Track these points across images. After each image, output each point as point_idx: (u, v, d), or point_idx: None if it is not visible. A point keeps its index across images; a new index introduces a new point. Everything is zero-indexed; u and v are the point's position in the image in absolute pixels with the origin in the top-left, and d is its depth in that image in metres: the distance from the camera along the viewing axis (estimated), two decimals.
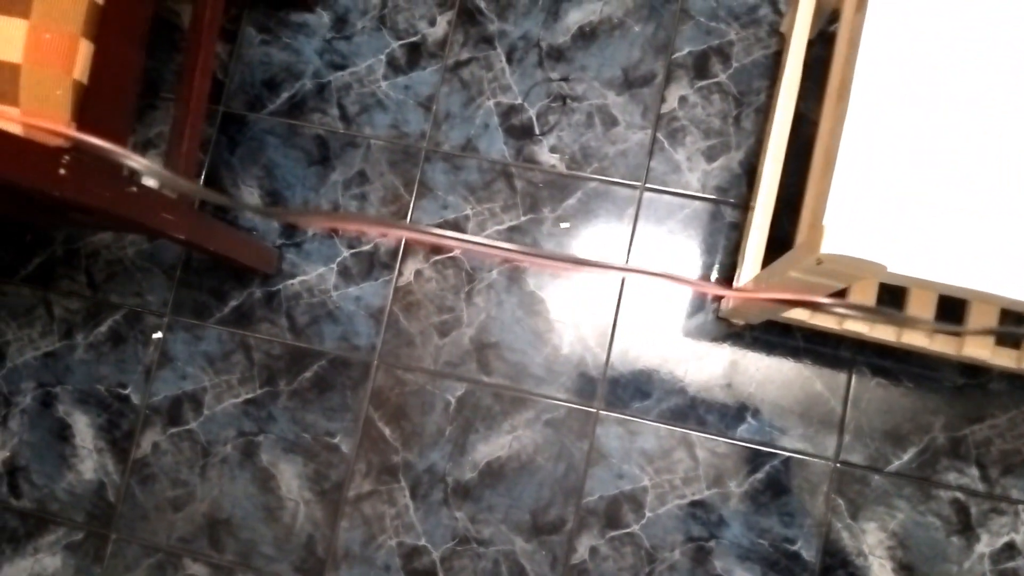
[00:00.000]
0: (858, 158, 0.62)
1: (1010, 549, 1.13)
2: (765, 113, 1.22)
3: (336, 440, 1.22)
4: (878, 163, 0.62)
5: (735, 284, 1.08)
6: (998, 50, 0.63)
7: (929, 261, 0.60)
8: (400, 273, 1.24)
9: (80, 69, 0.73)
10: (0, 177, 0.65)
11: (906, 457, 1.15)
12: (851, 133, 0.63)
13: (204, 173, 1.30)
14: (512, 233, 1.24)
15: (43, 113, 0.72)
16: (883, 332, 1.03)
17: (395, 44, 1.30)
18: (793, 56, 1.04)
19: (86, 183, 0.73)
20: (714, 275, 1.20)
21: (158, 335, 1.27)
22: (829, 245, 0.60)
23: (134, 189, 0.81)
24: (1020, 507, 1.13)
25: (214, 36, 0.95)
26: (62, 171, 0.70)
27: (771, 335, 1.19)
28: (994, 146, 0.61)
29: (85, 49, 0.74)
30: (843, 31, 0.98)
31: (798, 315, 1.04)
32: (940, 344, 1.03)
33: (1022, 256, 0.58)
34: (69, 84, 0.73)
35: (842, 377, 1.17)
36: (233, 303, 1.26)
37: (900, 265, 0.60)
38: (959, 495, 1.14)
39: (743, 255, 1.05)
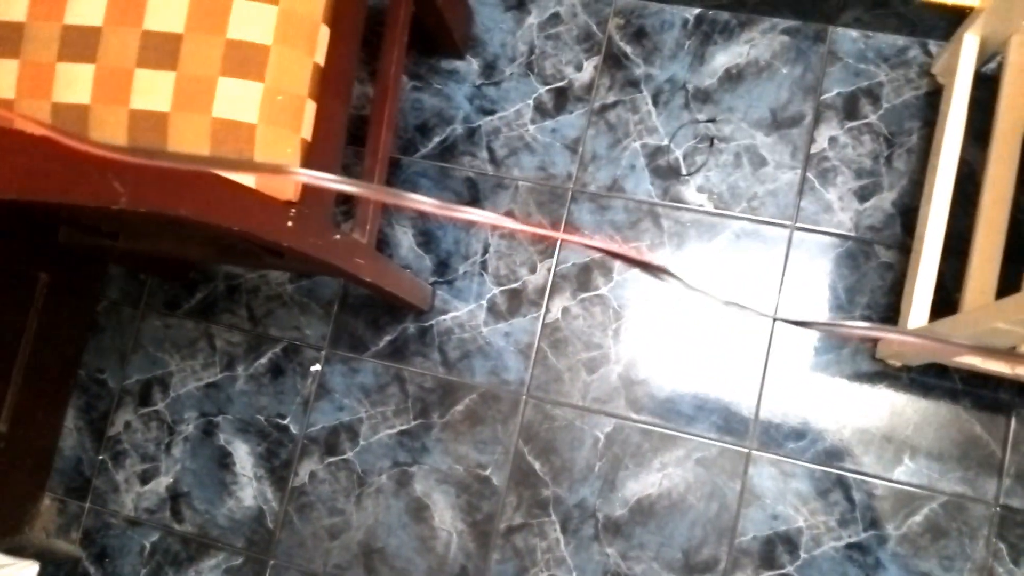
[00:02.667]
0: None
1: None
2: (918, 154, 1.26)
3: (487, 472, 1.29)
4: None
5: (901, 325, 1.12)
6: None
7: None
8: (548, 310, 1.32)
9: (306, 127, 0.83)
10: (241, 229, 0.75)
11: None
12: None
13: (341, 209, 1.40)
14: (657, 270, 1.29)
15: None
16: None
17: (542, 89, 1.39)
18: (957, 97, 1.08)
19: (306, 233, 0.83)
20: (858, 315, 1.24)
21: (316, 367, 1.37)
22: None
23: (338, 237, 0.91)
24: None
25: (398, 88, 1.05)
26: (289, 223, 0.79)
27: (928, 376, 1.21)
28: None
29: (310, 108, 0.83)
30: (1010, 73, 1.02)
31: (972, 361, 1.06)
32: None
33: None
34: (297, 142, 0.82)
35: (1002, 420, 1.19)
36: (388, 337, 1.35)
37: None
38: None
39: (910, 300, 1.08)
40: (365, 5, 0.92)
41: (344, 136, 0.91)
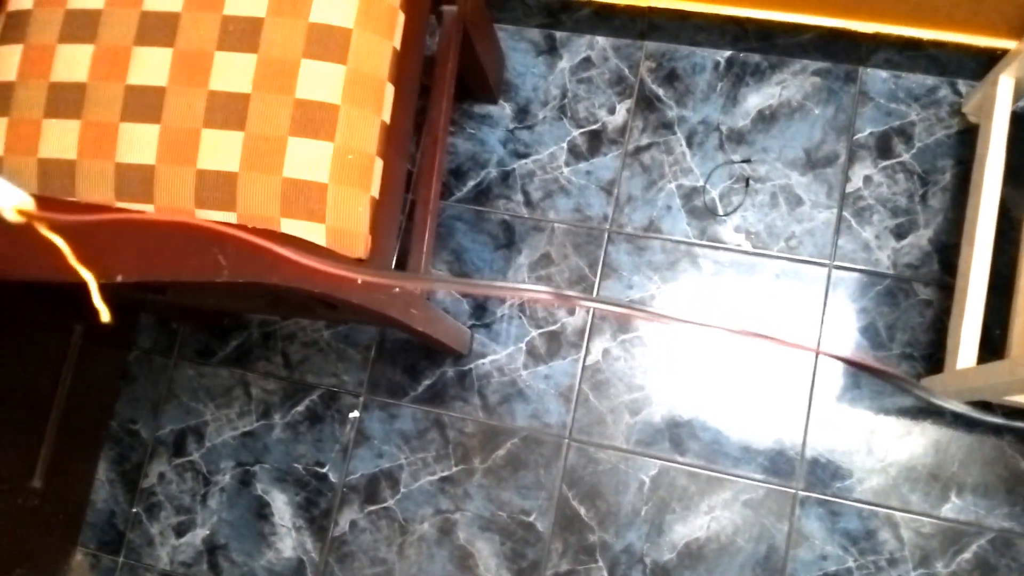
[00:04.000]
0: None
1: None
2: (952, 192, 1.30)
3: (531, 519, 1.31)
4: None
5: (947, 369, 1.15)
6: None
7: None
8: (588, 352, 1.34)
9: (376, 185, 0.86)
10: (321, 292, 0.77)
11: None
12: None
13: (395, 258, 1.43)
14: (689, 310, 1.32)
15: (346, 229, 0.84)
16: None
17: (576, 132, 1.43)
18: (996, 136, 1.12)
19: (374, 289, 0.86)
20: (902, 353, 1.27)
21: (355, 414, 1.39)
22: None
23: (398, 291, 0.94)
24: None
25: (446, 138, 1.08)
26: (360, 280, 0.82)
27: (972, 411, 1.24)
28: None
29: (378, 166, 0.87)
30: None
31: (1017, 398, 1.09)
32: None
33: None
34: (367, 200, 0.85)
35: None
36: (427, 382, 1.38)
37: None
38: None
39: (957, 340, 1.11)
40: (422, 61, 0.95)
41: (403, 190, 0.94)
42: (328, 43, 0.86)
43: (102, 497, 1.48)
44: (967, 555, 1.21)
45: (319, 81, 0.85)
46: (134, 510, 1.45)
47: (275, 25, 0.87)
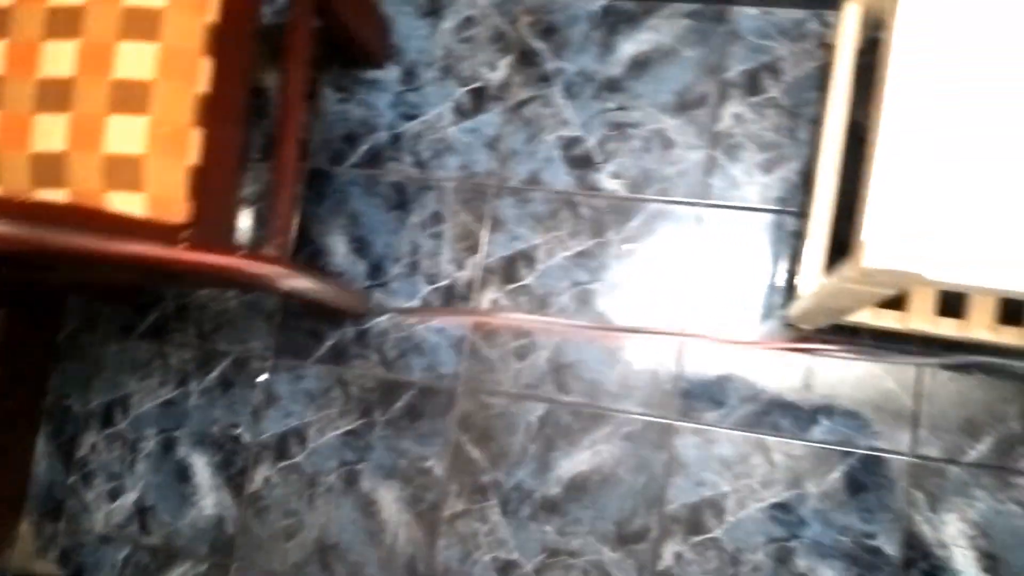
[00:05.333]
0: (894, 169, 0.75)
1: None
2: (820, 123, 1.37)
3: (429, 464, 1.42)
4: (914, 172, 0.74)
5: (799, 295, 1.23)
6: None
7: (965, 266, 0.72)
8: (478, 304, 1.44)
9: (193, 154, 0.96)
10: (130, 255, 0.87)
11: (982, 447, 1.26)
12: (885, 144, 0.77)
13: (297, 228, 1.53)
14: (580, 258, 1.41)
15: (164, 197, 0.94)
16: (947, 328, 1.16)
17: (460, 91, 1.51)
18: (841, 63, 1.19)
19: (204, 253, 0.95)
20: (778, 285, 1.35)
21: (263, 377, 1.50)
22: (870, 259, 0.74)
23: (243, 253, 1.03)
24: None
25: (302, 105, 1.18)
26: (183, 245, 0.92)
27: (840, 336, 1.32)
28: None
29: (196, 136, 0.96)
30: (886, 40, 1.12)
31: (863, 318, 1.17)
32: (1006, 336, 1.15)
33: None
34: (183, 168, 0.95)
35: (912, 373, 1.29)
36: (329, 343, 1.48)
37: (937, 272, 0.72)
38: None
39: (802, 266, 1.19)
40: (252, 35, 1.05)
41: (238, 158, 1.04)
42: (142, 24, 0.96)
43: (42, 469, 1.61)
44: (837, 474, 1.30)
45: (134, 60, 0.95)
46: (71, 479, 1.58)
47: (94, 12, 0.97)
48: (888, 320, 1.18)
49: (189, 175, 0.96)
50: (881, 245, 0.71)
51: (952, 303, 1.18)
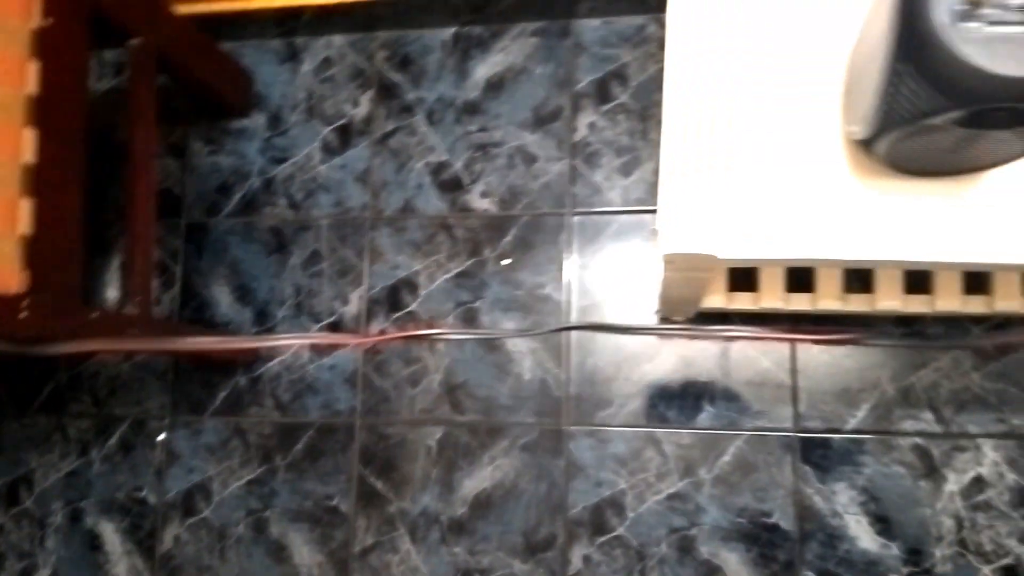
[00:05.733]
0: (679, 157, 0.78)
1: (978, 483, 1.27)
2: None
3: (335, 502, 1.42)
4: (698, 160, 0.78)
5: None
6: (796, 30, 0.79)
7: (751, 242, 0.75)
8: (367, 335, 1.45)
9: (24, 223, 0.96)
10: None
11: (861, 414, 1.31)
12: (670, 133, 0.80)
13: (179, 284, 1.53)
14: (461, 279, 1.44)
15: None
16: (798, 303, 1.20)
17: (326, 130, 1.54)
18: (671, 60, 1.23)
19: (47, 320, 0.96)
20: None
21: (162, 437, 1.50)
22: (665, 246, 0.77)
23: (96, 315, 1.04)
24: (979, 440, 1.27)
25: (151, 162, 1.19)
26: (23, 315, 0.92)
27: (712, 323, 1.35)
28: (805, 123, 0.76)
29: (26, 205, 0.97)
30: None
31: (717, 303, 1.21)
32: (855, 304, 1.20)
33: (844, 220, 0.74)
34: (15, 238, 0.95)
35: (785, 349, 1.33)
36: (223, 394, 1.49)
37: (727, 251, 0.75)
38: (918, 440, 1.29)
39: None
40: (80, 102, 1.06)
41: (78, 222, 1.04)
42: None
43: None
44: (727, 457, 1.33)
45: None
46: None
47: None
48: (742, 302, 1.22)
49: (22, 244, 0.96)
50: (673, 232, 0.75)
51: (803, 279, 1.22)
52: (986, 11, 0.52)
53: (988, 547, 1.26)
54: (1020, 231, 0.67)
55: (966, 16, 0.52)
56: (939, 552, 1.27)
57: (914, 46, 0.55)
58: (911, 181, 0.69)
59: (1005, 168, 0.66)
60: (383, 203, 1.50)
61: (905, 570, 1.27)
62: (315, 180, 1.53)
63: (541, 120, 1.47)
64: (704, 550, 1.32)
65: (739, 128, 0.78)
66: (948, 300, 1.17)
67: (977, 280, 1.19)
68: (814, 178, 0.74)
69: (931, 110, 0.55)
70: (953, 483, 1.28)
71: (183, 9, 1.47)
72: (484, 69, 1.51)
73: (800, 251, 0.72)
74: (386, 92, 1.54)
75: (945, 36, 0.52)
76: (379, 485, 1.42)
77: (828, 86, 0.76)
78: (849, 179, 0.72)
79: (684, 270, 0.83)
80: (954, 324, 1.30)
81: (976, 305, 1.17)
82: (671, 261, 0.76)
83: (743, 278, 1.23)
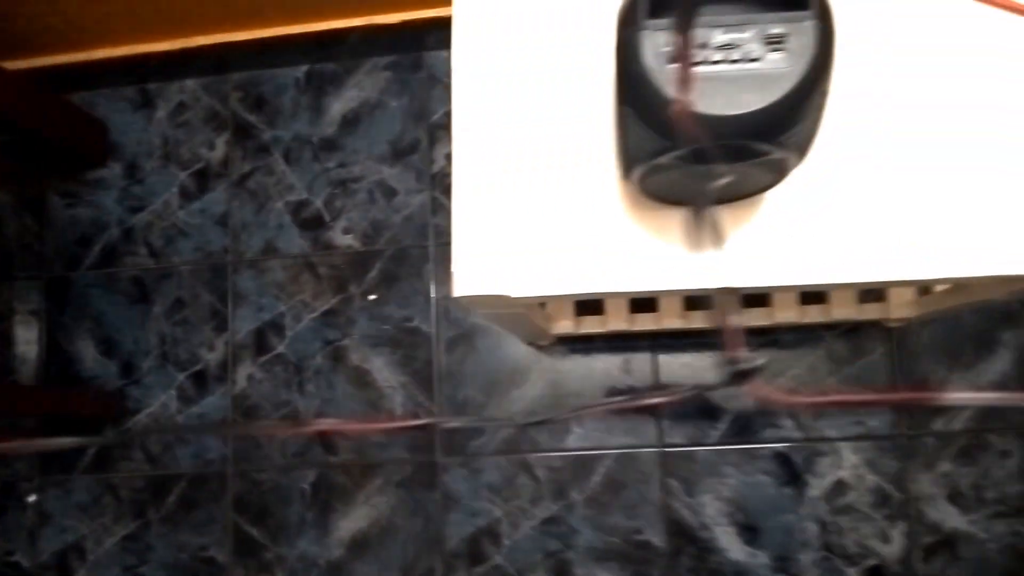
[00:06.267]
0: (470, 195, 0.78)
1: (840, 486, 1.29)
2: None
3: (211, 553, 1.39)
4: (488, 196, 0.77)
5: None
6: (583, 54, 0.79)
7: (543, 279, 0.75)
8: (234, 382, 1.43)
9: None
10: None
11: (723, 426, 1.32)
12: (460, 171, 0.79)
13: (45, 341, 1.49)
14: (327, 317, 1.42)
15: None
16: (643, 323, 1.21)
17: (183, 175, 1.51)
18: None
19: None
20: None
21: (32, 498, 1.45)
22: (459, 288, 0.76)
23: None
24: (838, 444, 1.29)
25: None
26: None
27: (576, 346, 1.36)
28: (587, 160, 0.76)
29: None
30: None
31: (567, 328, 1.21)
32: (695, 320, 1.21)
33: (623, 254, 0.73)
34: None
35: (647, 366, 1.34)
36: (92, 450, 1.45)
37: (521, 289, 0.75)
38: (779, 448, 1.31)
39: None
40: None
41: None
42: None
43: None
44: (597, 477, 1.33)
45: None
46: None
47: None
48: (591, 326, 1.22)
49: None
50: (467, 273, 0.74)
51: (643, 302, 1.24)
52: (691, 52, 0.53)
53: (853, 549, 1.28)
54: (787, 254, 0.68)
55: (673, 58, 0.53)
56: (806, 557, 1.29)
57: (631, 89, 0.55)
58: (676, 211, 0.69)
59: (778, 192, 0.68)
60: (244, 245, 1.48)
61: None
62: (175, 226, 1.50)
63: (399, 153, 1.46)
64: (579, 572, 1.32)
65: (527, 167, 0.78)
66: (787, 311, 1.19)
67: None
68: (593, 214, 0.75)
69: (655, 150, 0.56)
70: (815, 488, 1.30)
71: (22, 64, 1.44)
72: (339, 105, 1.50)
73: (586, 286, 0.73)
74: (242, 133, 1.52)
75: (654, 79, 0.53)
76: (254, 532, 1.40)
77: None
78: (627, 214, 0.72)
79: (486, 307, 0.83)
80: (807, 331, 1.33)
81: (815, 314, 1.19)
82: (472, 302, 0.76)
83: (590, 302, 1.24)
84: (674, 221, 0.71)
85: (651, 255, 0.72)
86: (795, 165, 0.58)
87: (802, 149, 0.57)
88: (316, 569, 1.38)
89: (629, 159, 0.62)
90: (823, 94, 0.54)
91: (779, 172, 0.60)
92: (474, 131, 0.80)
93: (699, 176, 0.60)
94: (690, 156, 0.56)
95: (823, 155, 0.69)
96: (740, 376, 0.49)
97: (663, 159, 0.57)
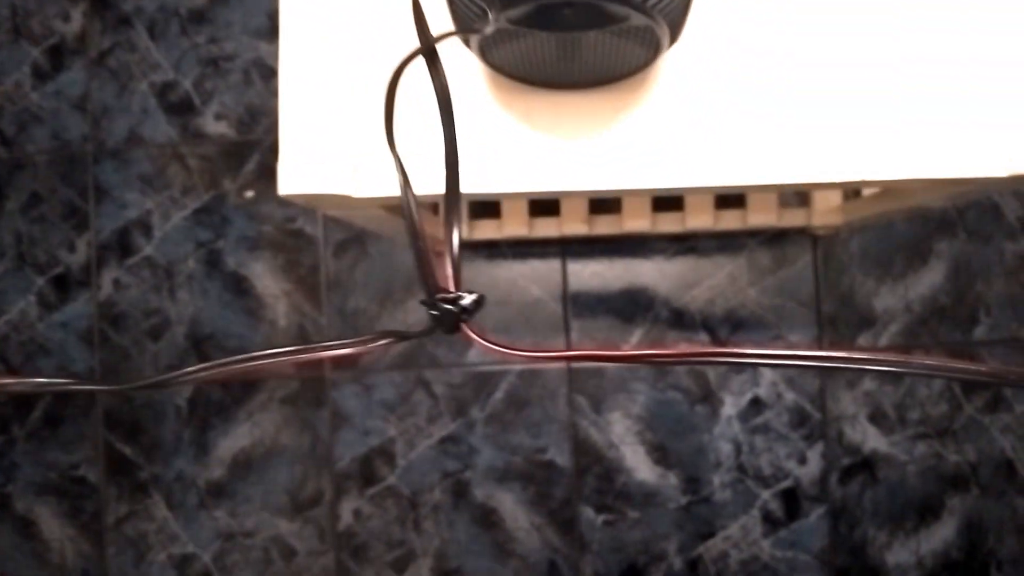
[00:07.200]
0: (303, 74, 0.62)
1: (756, 404, 1.20)
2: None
3: (81, 472, 1.27)
4: (327, 76, 0.61)
5: None
6: None
7: (387, 178, 0.60)
8: (99, 287, 1.27)
9: None
10: None
11: (634, 339, 1.20)
12: (289, 39, 0.63)
13: None
14: (200, 215, 1.26)
15: None
16: (543, 229, 1.07)
17: (35, 51, 1.31)
18: None
19: None
20: None
21: None
22: (285, 185, 0.61)
23: None
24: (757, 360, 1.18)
25: None
26: None
27: (478, 252, 1.22)
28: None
29: None
30: None
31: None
32: (600, 226, 1.07)
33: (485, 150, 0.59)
34: None
35: (556, 276, 1.21)
36: None
37: (366, 188, 0.60)
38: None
39: None
40: None
41: None
42: None
43: None
44: (499, 394, 1.22)
45: None
46: None
47: None
48: (486, 231, 1.08)
49: None
50: (296, 168, 0.59)
51: (547, 204, 1.09)
52: None
53: (767, 471, 1.20)
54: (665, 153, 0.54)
55: None
56: (718, 479, 1.20)
57: None
58: (544, 95, 0.54)
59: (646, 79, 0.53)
60: (105, 133, 1.30)
61: (684, 499, 1.20)
62: (27, 110, 1.31)
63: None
64: (479, 493, 1.23)
65: (369, 37, 0.62)
66: (700, 216, 1.05)
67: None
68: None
69: (485, 9, 0.41)
70: (730, 406, 1.21)
71: None
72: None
73: (431, 186, 0.58)
74: (100, 2, 1.30)
75: None
76: (127, 450, 1.27)
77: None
78: (484, 98, 0.57)
79: (340, 210, 0.68)
80: (728, 239, 1.20)
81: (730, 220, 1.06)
82: (300, 201, 0.61)
83: (487, 205, 1.09)
84: (540, 105, 0.56)
85: (510, 147, 0.58)
86: (666, 39, 0.44)
87: (671, 17, 0.42)
88: (195, 491, 1.26)
89: (463, 25, 0.47)
90: None
91: (649, 47, 0.45)
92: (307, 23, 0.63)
93: (556, 47, 0.46)
94: (532, 17, 0.41)
95: (720, 31, 0.54)
96: (447, 318, 0.36)
97: (499, 22, 0.42)
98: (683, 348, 0.50)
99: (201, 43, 1.29)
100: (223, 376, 0.54)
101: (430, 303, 0.35)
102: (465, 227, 1.08)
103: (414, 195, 0.38)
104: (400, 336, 0.39)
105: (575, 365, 1.22)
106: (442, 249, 0.38)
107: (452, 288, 0.36)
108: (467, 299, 0.35)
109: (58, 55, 1.31)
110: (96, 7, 1.31)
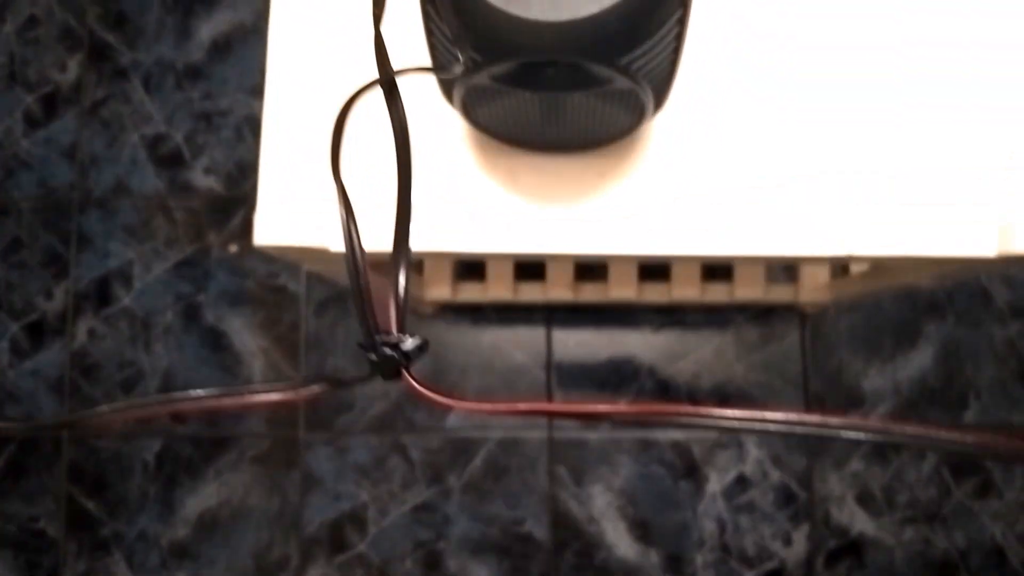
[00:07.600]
0: (285, 124, 0.61)
1: (741, 482, 1.16)
2: None
3: (41, 525, 1.22)
4: (309, 128, 0.60)
5: None
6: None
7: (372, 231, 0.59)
8: (73, 336, 1.24)
9: None
10: None
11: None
12: (274, 93, 0.62)
13: None
14: (181, 267, 1.24)
15: None
16: (528, 294, 1.05)
17: (29, 99, 1.30)
18: None
19: None
20: None
21: None
22: (261, 237, 0.60)
23: None
24: (742, 437, 1.15)
25: None
26: None
27: (462, 316, 1.20)
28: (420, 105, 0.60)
29: None
30: None
31: (443, 295, 1.05)
32: (585, 294, 1.06)
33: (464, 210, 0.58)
34: None
35: (541, 342, 1.19)
36: None
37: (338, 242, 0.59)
38: (678, 437, 1.16)
39: None
40: None
41: None
42: None
43: None
44: (477, 462, 1.19)
45: None
46: None
47: None
48: (470, 293, 1.06)
49: None
50: (273, 218, 0.58)
51: (534, 269, 1.08)
52: None
53: (751, 551, 1.16)
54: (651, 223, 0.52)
55: None
56: (701, 558, 1.16)
57: None
58: (529, 156, 0.53)
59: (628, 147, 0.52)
60: (92, 182, 1.28)
61: None
62: (16, 156, 1.30)
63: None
64: (452, 564, 1.18)
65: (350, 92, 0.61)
66: (687, 288, 1.03)
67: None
68: (422, 155, 0.58)
69: (466, 65, 0.39)
70: (715, 483, 1.17)
71: None
72: (208, 28, 1.30)
73: (415, 243, 0.56)
74: (98, 54, 1.32)
75: None
76: (90, 505, 1.22)
77: None
78: (463, 155, 0.56)
79: (319, 265, 0.66)
80: (716, 313, 1.18)
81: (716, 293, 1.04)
82: (275, 254, 0.59)
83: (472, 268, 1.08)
84: (524, 166, 0.55)
85: (493, 206, 0.56)
86: (651, 104, 0.42)
87: (656, 82, 0.40)
88: (157, 550, 1.21)
89: (444, 84, 0.45)
90: (679, 20, 0.38)
91: (634, 112, 0.44)
92: (295, 40, 0.62)
93: (540, 108, 0.44)
94: (515, 76, 0.40)
95: (710, 100, 0.53)
96: (387, 363, 0.33)
97: (478, 77, 0.40)
98: (643, 406, 0.47)
99: (196, 98, 1.29)
100: (136, 415, 0.50)
101: (368, 345, 0.32)
102: (449, 289, 1.06)
103: (356, 227, 0.36)
104: (334, 383, 0.36)
105: (557, 435, 1.18)
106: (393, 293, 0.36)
107: (394, 331, 0.33)
108: (408, 343, 0.32)
109: (51, 103, 1.31)
110: (93, 59, 1.31)
